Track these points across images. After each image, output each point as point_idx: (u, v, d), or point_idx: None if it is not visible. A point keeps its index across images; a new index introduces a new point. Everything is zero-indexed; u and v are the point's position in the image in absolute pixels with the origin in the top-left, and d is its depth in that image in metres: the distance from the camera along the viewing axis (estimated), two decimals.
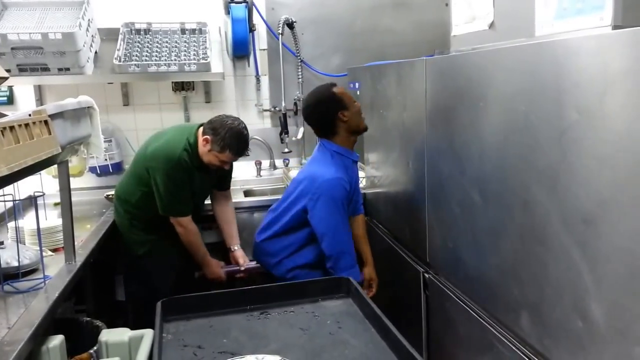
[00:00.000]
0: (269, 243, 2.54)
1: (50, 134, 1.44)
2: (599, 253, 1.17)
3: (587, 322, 1.21)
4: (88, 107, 1.84)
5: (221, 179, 2.82)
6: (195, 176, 2.56)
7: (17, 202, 2.25)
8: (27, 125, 1.31)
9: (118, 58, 3.07)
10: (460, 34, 2.11)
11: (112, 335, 1.63)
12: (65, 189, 1.98)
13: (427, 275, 2.16)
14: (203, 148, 2.52)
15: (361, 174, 3.27)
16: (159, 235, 2.69)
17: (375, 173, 2.89)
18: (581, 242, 1.21)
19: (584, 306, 1.21)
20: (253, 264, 2.74)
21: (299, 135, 3.67)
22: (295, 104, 3.68)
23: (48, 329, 1.64)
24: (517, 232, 1.49)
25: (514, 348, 1.53)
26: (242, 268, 2.77)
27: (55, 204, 2.77)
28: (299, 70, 3.66)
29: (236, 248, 2.84)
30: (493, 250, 1.63)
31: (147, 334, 1.63)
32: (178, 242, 2.68)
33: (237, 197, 3.25)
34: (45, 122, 1.43)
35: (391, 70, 2.47)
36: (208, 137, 2.49)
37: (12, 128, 1.19)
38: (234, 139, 2.48)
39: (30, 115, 1.37)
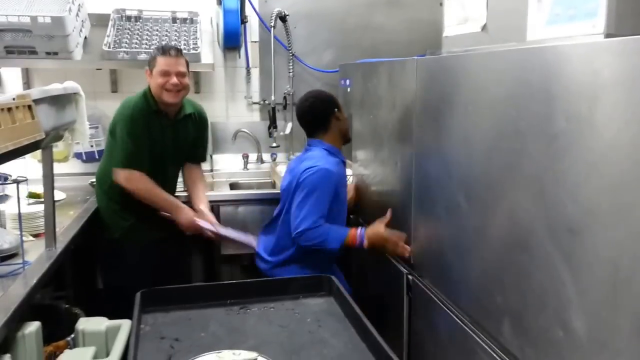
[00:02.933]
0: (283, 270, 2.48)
1: (33, 118, 1.41)
2: (583, 263, 1.16)
3: (569, 332, 1.20)
4: (74, 93, 1.81)
5: (195, 143, 2.77)
6: (154, 120, 2.54)
7: None
8: (9, 109, 1.28)
9: (107, 44, 3.03)
10: (452, 35, 2.10)
11: (90, 325, 1.61)
12: (49, 176, 1.95)
13: (410, 277, 2.16)
14: (149, 80, 2.53)
15: (348, 171, 3.27)
16: (137, 218, 2.64)
17: (363, 171, 2.87)
18: (566, 252, 1.21)
19: (566, 316, 1.21)
20: (229, 230, 2.66)
21: (288, 130, 3.65)
22: (285, 98, 3.66)
23: (25, 314, 1.61)
24: (501, 239, 1.48)
25: (495, 355, 1.52)
26: (216, 230, 2.62)
27: (30, 195, 2.70)
28: (290, 64, 3.64)
29: (202, 208, 2.68)
30: (477, 255, 1.63)
31: (125, 325, 1.61)
32: (156, 228, 2.63)
33: (223, 190, 3.23)
34: (29, 106, 1.40)
35: (382, 69, 2.46)
36: (147, 68, 2.55)
37: None
38: (158, 48, 2.57)
39: (14, 99, 1.34)
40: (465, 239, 1.70)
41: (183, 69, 2.53)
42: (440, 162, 1.85)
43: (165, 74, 2.47)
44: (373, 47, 3.69)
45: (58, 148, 3.34)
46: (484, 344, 1.58)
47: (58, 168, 3.23)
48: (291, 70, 3.65)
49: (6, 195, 2.86)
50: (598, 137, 1.11)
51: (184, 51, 3.07)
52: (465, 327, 1.69)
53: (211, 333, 1.59)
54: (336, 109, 2.49)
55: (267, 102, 3.63)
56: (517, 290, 1.41)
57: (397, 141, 2.29)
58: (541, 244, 1.29)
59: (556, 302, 1.25)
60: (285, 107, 3.68)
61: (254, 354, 1.37)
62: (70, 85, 1.78)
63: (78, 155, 3.40)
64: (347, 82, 3.04)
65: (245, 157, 3.64)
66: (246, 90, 3.65)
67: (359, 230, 2.34)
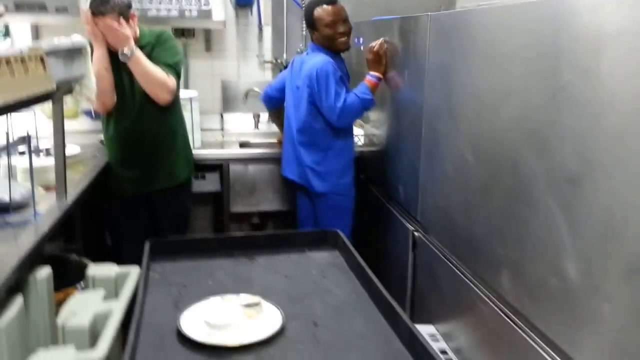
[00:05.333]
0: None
1: (45, 70, 1.42)
2: (579, 213, 1.18)
3: (563, 280, 1.22)
4: (82, 47, 1.81)
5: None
6: (113, 62, 2.42)
7: (11, 142, 2.24)
8: (22, 60, 1.29)
9: None
10: None
11: (100, 271, 1.64)
12: (59, 129, 1.97)
13: (416, 234, 2.18)
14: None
15: (360, 131, 3.26)
16: (140, 170, 2.64)
17: (375, 131, 2.87)
18: (563, 202, 1.22)
19: (561, 264, 1.23)
20: None
21: None
22: None
23: (36, 261, 1.65)
24: (504, 192, 1.49)
25: (494, 307, 1.55)
26: None
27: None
28: (303, 22, 3.59)
29: None
30: (481, 209, 1.64)
31: (133, 271, 1.65)
32: (157, 180, 2.64)
33: (232, 149, 3.24)
34: (41, 58, 1.41)
35: (395, 26, 2.43)
36: None
37: (7, 61, 1.18)
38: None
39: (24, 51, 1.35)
40: (470, 194, 1.71)
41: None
42: (449, 118, 1.85)
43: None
44: (387, 4, 3.62)
45: (67, 105, 3.36)
46: (484, 296, 1.60)
47: (68, 125, 3.27)
48: (304, 29, 3.61)
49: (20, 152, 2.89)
50: (601, 89, 1.11)
51: (195, 8, 3.06)
52: (467, 280, 1.71)
53: (218, 281, 1.62)
54: (316, 8, 2.63)
55: (279, 60, 3.61)
56: (516, 242, 1.43)
57: (407, 99, 2.28)
58: (541, 195, 1.30)
59: (552, 252, 1.26)
60: None
61: (257, 298, 1.40)
62: (77, 39, 1.78)
63: (88, 113, 3.42)
64: (361, 40, 3.01)
65: (256, 116, 3.64)
66: (258, 49, 3.62)
67: (367, 76, 2.56)
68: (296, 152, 2.72)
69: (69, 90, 1.94)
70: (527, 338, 1.37)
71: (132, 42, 2.37)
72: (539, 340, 1.34)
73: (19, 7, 2.91)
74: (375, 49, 2.54)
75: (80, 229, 2.65)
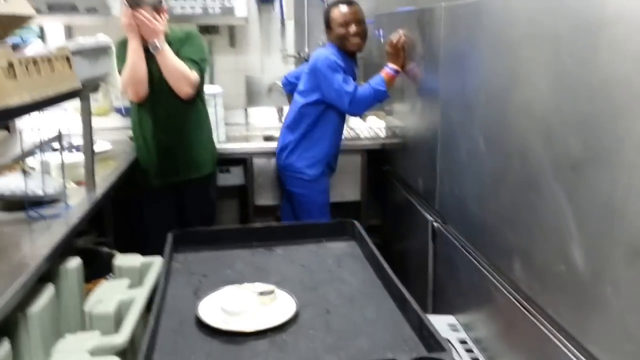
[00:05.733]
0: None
1: (71, 69, 1.49)
2: (582, 199, 1.19)
3: (569, 266, 1.24)
4: (107, 46, 1.89)
5: None
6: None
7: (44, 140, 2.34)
8: (49, 60, 1.36)
9: None
10: None
11: (125, 261, 1.72)
12: (87, 125, 2.06)
13: (435, 225, 2.20)
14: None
15: (382, 123, 3.29)
16: (142, 154, 2.78)
17: (396, 123, 2.90)
18: (568, 189, 1.24)
19: (567, 251, 1.24)
20: None
21: None
22: None
23: (67, 253, 1.74)
24: (514, 179, 1.51)
25: (507, 294, 1.56)
26: None
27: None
28: None
29: None
30: (493, 197, 1.65)
31: (157, 261, 1.72)
32: (182, 170, 2.75)
33: (257, 142, 3.30)
34: (67, 58, 1.48)
35: (412, 17, 2.45)
36: None
37: (35, 62, 1.25)
38: None
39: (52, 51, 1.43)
40: (483, 182, 1.73)
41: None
42: (463, 109, 1.86)
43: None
44: None
45: (99, 103, 3.48)
46: (499, 285, 1.62)
47: (100, 122, 3.40)
48: None
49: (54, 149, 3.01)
50: (599, 72, 1.12)
51: (218, 5, 3.13)
52: (483, 269, 1.73)
53: (237, 270, 1.68)
54: (333, 8, 2.72)
55: (301, 54, 3.65)
56: (526, 229, 1.45)
57: (425, 90, 2.30)
58: (548, 182, 1.32)
59: (559, 238, 1.28)
60: None
61: (271, 287, 1.45)
62: (102, 39, 1.86)
63: (118, 110, 3.53)
64: (381, 32, 3.02)
65: (280, 110, 3.70)
66: (281, 44, 3.68)
67: (384, 68, 2.62)
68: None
69: (96, 88, 2.03)
70: (540, 325, 1.39)
71: (162, 36, 2.51)
72: (549, 326, 1.35)
73: (51, 8, 3.02)
74: (394, 41, 2.55)
75: (111, 223, 2.75)
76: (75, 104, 2.68)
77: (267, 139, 3.47)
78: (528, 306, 1.46)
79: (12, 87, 1.14)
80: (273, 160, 3.13)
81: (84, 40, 1.79)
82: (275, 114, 3.71)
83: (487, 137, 1.67)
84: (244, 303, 1.38)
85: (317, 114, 2.74)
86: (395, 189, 2.82)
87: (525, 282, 1.46)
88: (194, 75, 2.58)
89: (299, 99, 2.81)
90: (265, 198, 3.17)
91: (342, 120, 2.85)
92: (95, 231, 2.68)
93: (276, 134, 3.58)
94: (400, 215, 2.77)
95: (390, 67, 2.59)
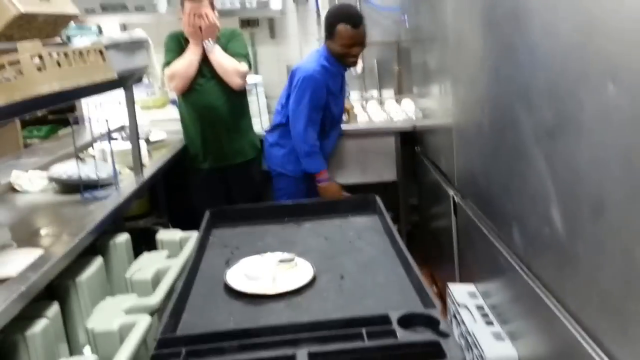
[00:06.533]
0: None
1: (104, 61, 1.69)
2: (558, 164, 1.29)
3: (552, 228, 1.33)
4: (144, 40, 2.09)
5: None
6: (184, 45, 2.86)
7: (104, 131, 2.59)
8: (81, 53, 1.56)
9: None
10: None
11: (166, 235, 1.93)
12: (132, 113, 2.28)
13: (456, 199, 2.30)
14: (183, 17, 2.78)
15: (412, 105, 3.38)
16: (191, 140, 3.01)
17: (424, 105, 2.99)
18: (546, 155, 1.34)
19: (549, 213, 1.33)
20: None
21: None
22: None
23: (119, 229, 1.96)
24: (508, 151, 1.62)
25: (510, 260, 1.66)
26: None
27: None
28: (358, 4, 3.73)
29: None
30: (495, 169, 1.77)
31: (195, 235, 1.91)
32: (228, 154, 2.98)
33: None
34: (100, 51, 1.68)
35: (429, 2, 2.54)
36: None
37: (66, 54, 1.45)
38: None
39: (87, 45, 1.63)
40: (487, 156, 1.84)
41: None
42: (469, 86, 1.97)
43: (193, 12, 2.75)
44: None
45: (156, 95, 3.75)
46: (504, 251, 1.72)
47: (157, 114, 3.66)
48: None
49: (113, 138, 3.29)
50: (568, 45, 1.21)
51: (256, 0, 3.30)
52: (491, 238, 1.83)
53: (266, 243, 1.84)
54: (341, 23, 2.67)
55: None
56: (518, 196, 1.56)
57: (440, 71, 2.40)
58: (531, 150, 1.43)
59: (543, 202, 1.38)
60: None
61: (292, 255, 1.61)
62: (137, 34, 2.06)
63: (173, 102, 3.77)
64: (406, 17, 3.12)
65: None
66: (318, 33, 3.81)
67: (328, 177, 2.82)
68: None
69: (139, 79, 2.24)
70: (536, 289, 1.48)
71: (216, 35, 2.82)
72: (544, 289, 1.44)
73: (104, 8, 3.29)
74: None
75: (164, 205, 3.00)
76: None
77: None
78: (527, 270, 1.56)
79: (41, 77, 1.32)
80: None
81: (118, 36, 1.99)
82: None
83: (489, 114, 1.77)
84: (265, 269, 1.55)
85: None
86: (426, 168, 2.92)
87: (521, 248, 1.56)
88: (243, 67, 2.85)
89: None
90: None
91: (332, 131, 2.96)
92: (155, 213, 2.96)
93: None
94: (431, 194, 2.87)
95: (325, 181, 2.79)
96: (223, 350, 1.13)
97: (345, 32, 2.67)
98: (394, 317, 1.23)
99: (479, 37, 1.81)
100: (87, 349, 1.44)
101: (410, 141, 3.28)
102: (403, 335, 1.17)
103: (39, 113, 3.90)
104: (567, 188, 1.26)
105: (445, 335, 1.16)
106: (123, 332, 1.39)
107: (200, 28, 2.74)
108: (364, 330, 1.18)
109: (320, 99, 2.73)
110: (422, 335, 1.19)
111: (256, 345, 1.15)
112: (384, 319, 1.23)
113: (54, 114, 4.31)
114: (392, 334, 1.18)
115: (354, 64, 2.83)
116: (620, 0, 0.99)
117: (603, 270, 1.12)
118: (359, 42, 2.72)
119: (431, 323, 1.22)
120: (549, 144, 1.33)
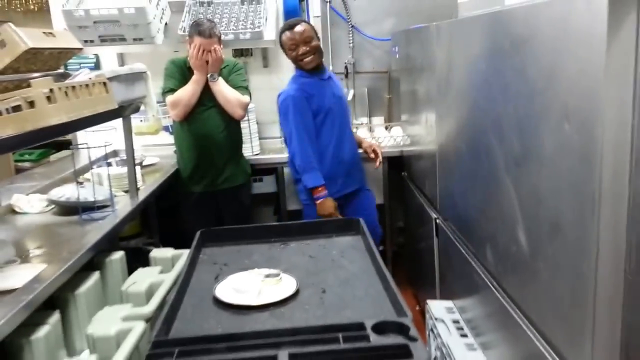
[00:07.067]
0: None
1: (107, 92, 1.82)
2: (523, 189, 1.42)
3: (518, 247, 1.45)
4: (143, 72, 2.22)
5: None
6: (186, 73, 2.97)
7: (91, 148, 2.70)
8: (87, 85, 1.69)
9: (182, 29, 3.45)
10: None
11: (160, 253, 2.04)
12: (129, 140, 2.40)
13: (438, 221, 2.42)
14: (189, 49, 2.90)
15: (400, 132, 3.52)
16: (186, 167, 3.11)
17: (411, 132, 3.13)
18: (514, 181, 1.47)
19: (516, 234, 1.46)
20: None
21: (349, 97, 3.93)
22: (346, 67, 3.94)
23: (113, 248, 2.07)
24: (483, 176, 1.74)
25: (484, 277, 1.77)
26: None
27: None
28: (350, 35, 3.90)
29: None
30: (471, 192, 1.88)
31: (186, 253, 2.01)
32: (222, 179, 3.09)
33: (283, 154, 3.58)
34: (104, 83, 1.81)
35: (417, 35, 2.69)
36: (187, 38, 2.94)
37: (73, 87, 1.58)
38: (193, 25, 2.91)
39: (91, 78, 1.76)
40: (465, 180, 1.95)
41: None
42: (449, 115, 2.10)
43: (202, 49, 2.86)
44: (431, 12, 3.64)
45: (149, 122, 3.88)
46: (479, 270, 1.83)
47: (150, 139, 3.78)
48: (351, 41, 3.91)
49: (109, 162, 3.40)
50: (533, 88, 1.34)
51: (249, 30, 3.46)
52: (468, 257, 1.94)
53: (253, 260, 1.94)
54: (281, 35, 2.83)
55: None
56: (492, 218, 1.68)
57: (426, 102, 2.54)
58: (502, 176, 1.55)
59: (511, 224, 1.49)
60: (346, 76, 3.96)
61: (276, 271, 1.72)
62: (137, 66, 2.20)
63: (166, 128, 3.89)
64: (396, 49, 3.27)
65: None
66: None
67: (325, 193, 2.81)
68: None
69: (137, 109, 2.37)
70: (506, 305, 1.59)
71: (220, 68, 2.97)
72: (513, 305, 1.55)
73: (103, 40, 3.44)
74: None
75: (156, 227, 3.11)
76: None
77: None
78: (498, 287, 1.67)
79: (52, 110, 1.44)
80: None
81: (119, 68, 2.12)
82: None
83: (467, 142, 1.90)
84: (251, 283, 1.65)
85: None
86: (412, 192, 3.04)
87: (493, 266, 1.68)
88: (245, 98, 3.02)
89: None
90: (295, 203, 3.44)
91: (343, 137, 2.95)
92: (147, 233, 3.06)
93: None
94: (416, 216, 2.99)
95: (324, 197, 2.82)
96: (211, 351, 1.24)
97: (285, 38, 2.81)
98: (369, 324, 1.33)
99: (462, 72, 1.95)
100: (84, 354, 1.55)
101: (398, 166, 3.41)
102: (376, 340, 1.27)
103: None
104: (530, 211, 1.38)
105: (413, 339, 1.26)
106: (120, 337, 1.50)
107: (207, 61, 2.86)
108: (340, 335, 1.29)
109: (304, 113, 2.82)
110: (393, 339, 1.30)
111: (242, 347, 1.26)
112: (360, 326, 1.33)
113: None
114: (366, 338, 1.28)
115: (312, 63, 2.83)
116: (575, 56, 1.13)
117: (557, 283, 1.24)
118: (302, 41, 2.77)
119: (402, 330, 1.32)
120: (516, 172, 1.45)
